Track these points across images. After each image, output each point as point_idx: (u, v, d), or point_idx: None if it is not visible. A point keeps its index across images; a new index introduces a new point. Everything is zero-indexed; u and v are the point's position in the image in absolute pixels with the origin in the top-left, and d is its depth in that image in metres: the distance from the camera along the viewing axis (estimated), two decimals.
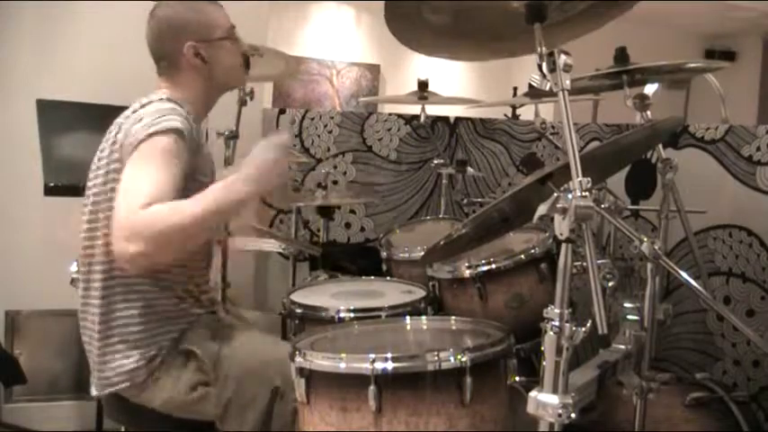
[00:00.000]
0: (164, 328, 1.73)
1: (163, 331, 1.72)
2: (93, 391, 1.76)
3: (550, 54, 1.27)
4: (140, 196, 1.51)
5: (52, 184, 2.41)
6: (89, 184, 1.78)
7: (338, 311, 1.97)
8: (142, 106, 1.71)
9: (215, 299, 1.94)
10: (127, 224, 1.49)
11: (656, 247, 1.40)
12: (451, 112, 3.59)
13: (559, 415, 1.22)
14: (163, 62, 1.83)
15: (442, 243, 1.76)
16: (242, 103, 2.60)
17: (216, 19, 1.84)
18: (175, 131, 1.63)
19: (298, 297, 2.11)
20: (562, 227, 1.22)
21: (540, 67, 1.29)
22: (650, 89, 1.99)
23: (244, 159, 1.65)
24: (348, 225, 3.45)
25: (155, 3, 1.84)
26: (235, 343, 1.78)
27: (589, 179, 1.21)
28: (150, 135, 1.60)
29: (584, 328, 1.23)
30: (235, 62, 1.88)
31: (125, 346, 1.70)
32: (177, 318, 1.75)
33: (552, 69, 1.28)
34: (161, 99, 1.73)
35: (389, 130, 3.44)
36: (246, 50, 1.90)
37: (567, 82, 1.28)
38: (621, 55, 1.95)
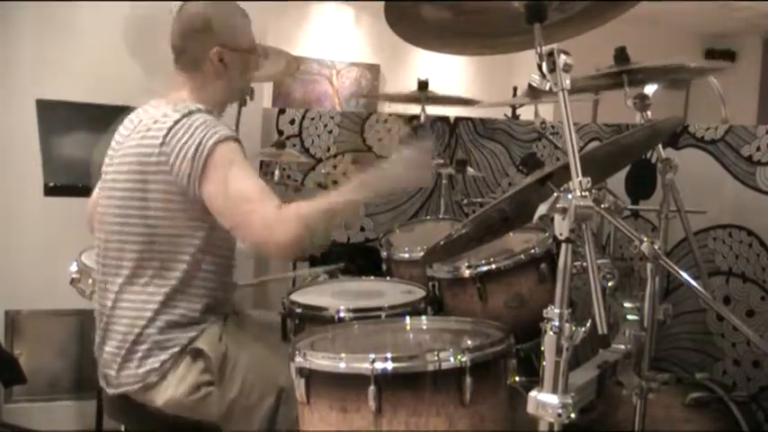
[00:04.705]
0: (185, 332, 1.73)
1: (182, 335, 1.73)
2: (108, 391, 1.77)
3: (550, 54, 1.27)
4: (260, 193, 1.64)
5: (52, 185, 2.41)
6: (115, 194, 1.76)
7: (338, 311, 1.96)
8: (184, 116, 1.70)
9: (231, 302, 1.95)
10: (276, 220, 1.61)
11: (656, 247, 1.40)
12: (451, 112, 3.59)
13: (559, 415, 1.22)
14: (184, 57, 1.82)
15: (441, 243, 1.76)
16: (242, 102, 2.59)
17: (245, 30, 1.86)
18: (233, 138, 1.71)
19: (298, 297, 2.11)
20: (562, 227, 1.22)
21: (539, 66, 1.29)
22: (650, 89, 1.99)
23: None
24: (348, 225, 3.44)
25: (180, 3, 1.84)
26: (240, 343, 1.78)
27: (589, 179, 1.21)
28: (216, 144, 1.65)
29: (584, 328, 1.23)
30: (249, 76, 1.91)
31: (150, 350, 1.71)
32: (199, 323, 1.75)
33: (552, 69, 1.28)
34: (199, 110, 1.73)
35: (389, 130, 3.44)
36: (261, 64, 1.94)
37: (567, 82, 1.28)
38: (621, 55, 1.95)
